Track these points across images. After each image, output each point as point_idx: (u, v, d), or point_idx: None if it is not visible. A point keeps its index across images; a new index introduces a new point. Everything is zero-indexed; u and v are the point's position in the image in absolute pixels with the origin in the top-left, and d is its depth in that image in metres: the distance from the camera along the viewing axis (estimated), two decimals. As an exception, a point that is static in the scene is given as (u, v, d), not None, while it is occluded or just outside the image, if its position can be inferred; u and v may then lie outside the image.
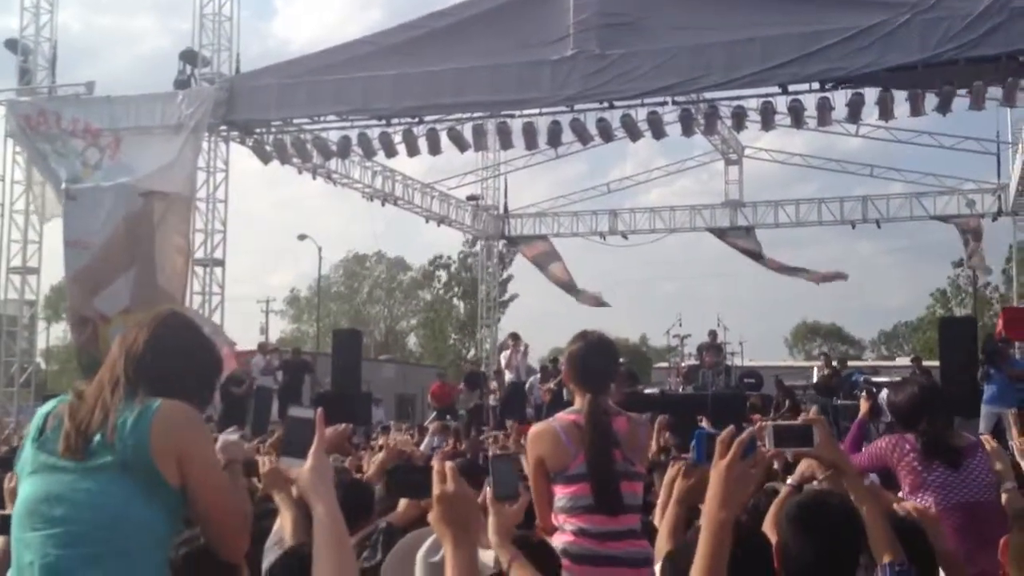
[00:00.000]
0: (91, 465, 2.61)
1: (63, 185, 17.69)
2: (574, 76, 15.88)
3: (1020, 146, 20.28)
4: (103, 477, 2.60)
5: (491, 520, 2.84)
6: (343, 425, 4.39)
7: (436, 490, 2.14)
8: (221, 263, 19.27)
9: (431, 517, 2.15)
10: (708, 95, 17.13)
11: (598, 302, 28.10)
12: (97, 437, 2.63)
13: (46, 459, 2.66)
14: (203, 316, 18.17)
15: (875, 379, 19.99)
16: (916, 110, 15.63)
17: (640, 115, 17.12)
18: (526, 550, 3.22)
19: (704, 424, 10.19)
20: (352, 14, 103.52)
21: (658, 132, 17.54)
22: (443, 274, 63.70)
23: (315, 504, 2.28)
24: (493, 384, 21.36)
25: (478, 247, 30.41)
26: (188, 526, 2.88)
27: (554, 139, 17.93)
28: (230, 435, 3.30)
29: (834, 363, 20.86)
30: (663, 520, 3.47)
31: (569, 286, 27.98)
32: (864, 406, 6.59)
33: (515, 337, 21.21)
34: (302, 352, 23.92)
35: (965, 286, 55.52)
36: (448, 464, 2.19)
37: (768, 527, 3.41)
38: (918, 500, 4.44)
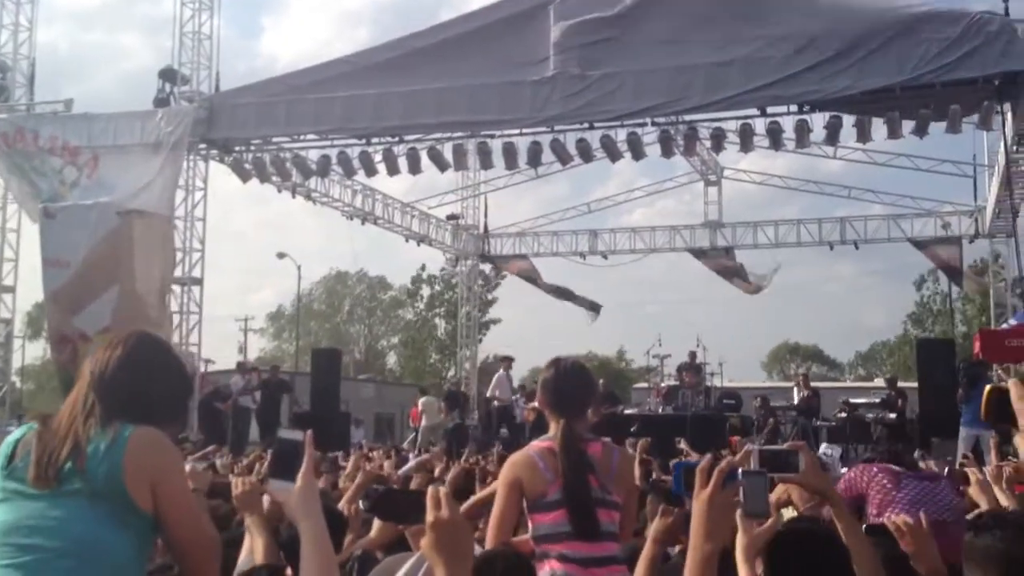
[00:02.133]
0: (61, 492, 2.59)
1: (41, 204, 17.57)
2: (554, 97, 15.94)
3: (996, 168, 20.40)
4: (73, 504, 2.58)
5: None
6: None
7: (430, 517, 2.09)
8: (199, 282, 19.19)
9: (424, 543, 2.10)
10: (687, 116, 17.19)
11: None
12: (68, 464, 2.60)
13: (16, 487, 2.64)
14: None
15: (853, 400, 20.02)
16: (893, 133, 15.69)
17: (620, 136, 17.14)
18: (502, 563, 3.19)
19: (683, 446, 10.20)
20: (339, 33, 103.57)
21: (638, 153, 17.58)
22: (426, 289, 63.41)
23: (303, 525, 2.26)
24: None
25: (460, 266, 30.29)
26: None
27: (534, 159, 17.92)
28: (197, 463, 3.29)
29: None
30: (640, 557, 3.46)
31: (565, 292, 28.19)
32: None
33: (507, 359, 21.51)
34: (280, 371, 23.76)
35: (929, 302, 56.03)
36: (442, 490, 2.15)
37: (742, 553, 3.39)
38: (885, 519, 4.46)
